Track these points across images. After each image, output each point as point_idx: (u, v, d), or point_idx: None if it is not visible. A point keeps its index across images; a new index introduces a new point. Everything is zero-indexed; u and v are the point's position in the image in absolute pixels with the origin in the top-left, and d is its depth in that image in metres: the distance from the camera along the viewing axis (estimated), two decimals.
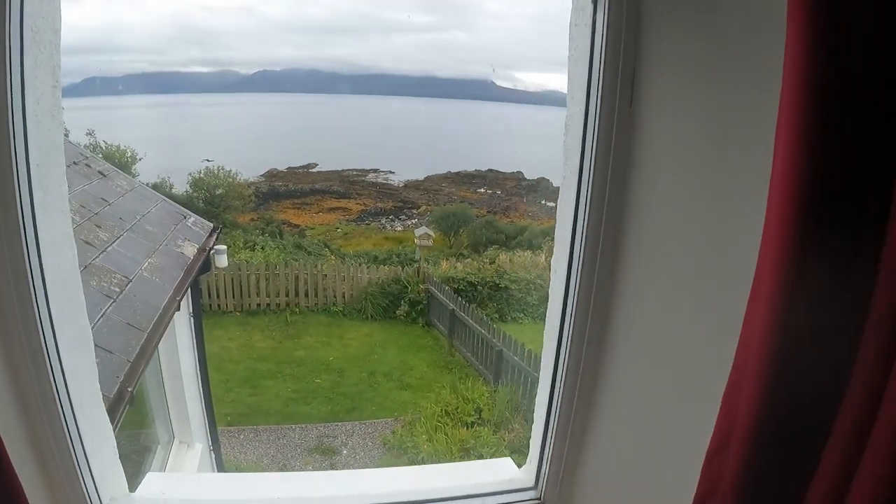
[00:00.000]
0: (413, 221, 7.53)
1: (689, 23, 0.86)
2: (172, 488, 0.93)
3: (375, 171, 8.66)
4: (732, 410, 0.65)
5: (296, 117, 9.38)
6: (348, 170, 8.62)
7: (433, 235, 5.46)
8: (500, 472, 1.07)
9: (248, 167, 8.25)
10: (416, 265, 4.96)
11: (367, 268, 4.96)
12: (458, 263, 5.18)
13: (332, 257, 5.34)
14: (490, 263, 5.05)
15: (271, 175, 9.07)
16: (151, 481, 0.92)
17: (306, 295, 4.74)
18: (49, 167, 0.76)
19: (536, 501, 1.02)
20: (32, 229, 0.73)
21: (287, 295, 4.72)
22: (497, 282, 4.70)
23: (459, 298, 4.41)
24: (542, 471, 1.03)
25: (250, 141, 9.42)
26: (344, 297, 4.77)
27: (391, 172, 8.52)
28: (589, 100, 1.05)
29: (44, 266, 0.75)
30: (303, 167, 9.59)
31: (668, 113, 0.87)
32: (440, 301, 4.42)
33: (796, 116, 0.62)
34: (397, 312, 4.61)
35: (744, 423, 0.64)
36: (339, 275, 4.77)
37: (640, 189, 0.91)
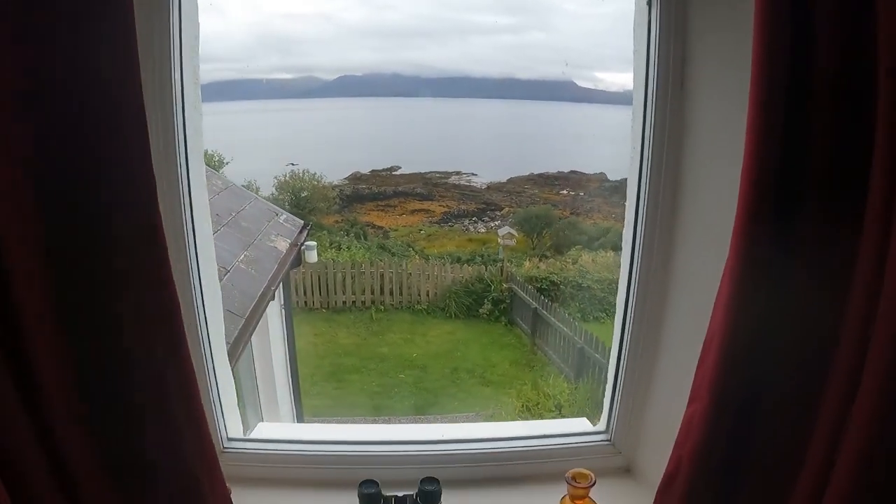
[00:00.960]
0: (496, 223, 7.51)
1: (730, 17, 1.02)
2: (281, 432, 1.16)
3: (458, 173, 8.68)
4: (699, 380, 0.89)
5: (378, 121, 9.54)
6: (430, 172, 8.69)
7: (516, 235, 5.45)
8: (577, 425, 1.25)
9: (332, 170, 8.45)
10: (499, 264, 4.97)
11: (451, 267, 5.00)
12: (541, 263, 5.13)
13: (417, 257, 5.41)
14: (573, 263, 5.00)
15: (355, 178, 9.23)
16: (261, 428, 1.08)
17: (391, 293, 4.82)
18: (195, 156, 0.96)
19: (607, 442, 1.13)
20: (189, 209, 0.93)
21: (372, 293, 4.81)
22: (579, 281, 4.64)
23: (542, 297, 4.38)
24: (612, 419, 1.17)
25: (333, 145, 9.65)
26: (428, 295, 4.82)
27: (474, 175, 8.51)
28: (647, 93, 1.21)
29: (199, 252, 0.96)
30: (385, 170, 9.77)
31: (715, 100, 1.01)
32: (523, 300, 4.40)
33: (751, 119, 0.73)
34: (480, 311, 4.63)
35: (707, 391, 0.85)
36: (424, 273, 4.83)
37: (692, 175, 1.05)
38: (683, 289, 1.17)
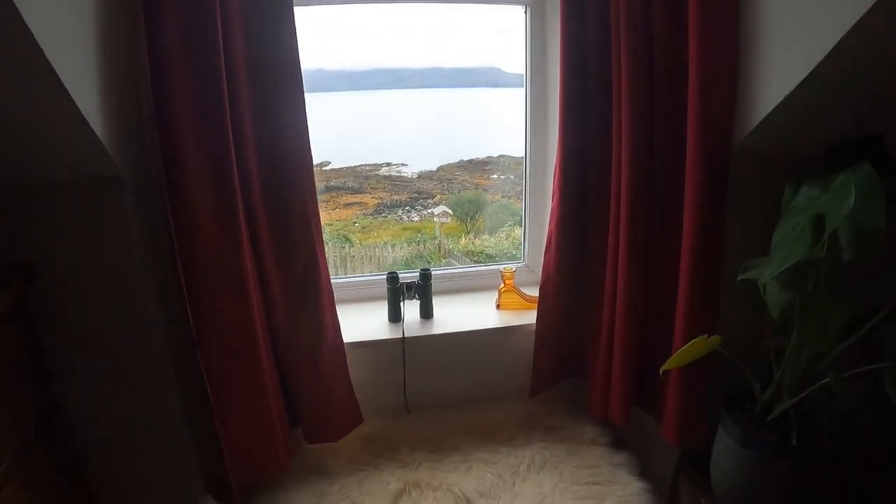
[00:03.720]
0: (429, 211, 7.70)
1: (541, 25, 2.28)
2: None
3: (388, 164, 8.79)
4: (553, 186, 2.34)
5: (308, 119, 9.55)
6: (361, 165, 8.78)
7: (451, 213, 5.66)
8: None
9: None
10: (436, 241, 5.19)
11: (392, 247, 5.16)
12: (476, 239, 5.40)
13: (358, 243, 5.57)
14: (506, 238, 5.26)
15: None
16: None
17: (336, 275, 4.88)
18: None
19: (525, 265, 3.26)
20: None
21: None
22: (514, 252, 4.89)
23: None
24: (525, 252, 3.27)
25: None
26: (371, 275, 4.90)
27: (404, 165, 8.62)
28: (526, 74, 2.43)
29: None
30: (316, 166, 9.79)
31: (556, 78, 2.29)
32: None
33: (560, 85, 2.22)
34: None
35: (557, 189, 2.30)
36: (366, 256, 5.00)
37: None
38: (550, 171, 2.60)
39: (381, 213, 8.39)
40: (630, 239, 1.86)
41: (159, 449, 1.91)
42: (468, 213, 7.34)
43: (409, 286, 2.48)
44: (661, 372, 1.62)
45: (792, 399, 1.58)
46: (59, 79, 1.20)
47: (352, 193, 8.80)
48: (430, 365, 2.47)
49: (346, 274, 5.01)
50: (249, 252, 1.83)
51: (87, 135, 1.37)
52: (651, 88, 1.75)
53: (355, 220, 8.26)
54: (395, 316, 2.47)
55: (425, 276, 2.48)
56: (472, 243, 5.18)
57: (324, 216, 9.41)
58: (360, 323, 2.46)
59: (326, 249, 5.33)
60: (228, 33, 1.61)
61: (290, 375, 2.09)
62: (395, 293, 2.45)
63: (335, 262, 4.90)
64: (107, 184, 1.57)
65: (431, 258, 4.77)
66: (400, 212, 8.53)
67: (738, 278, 1.53)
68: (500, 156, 8.49)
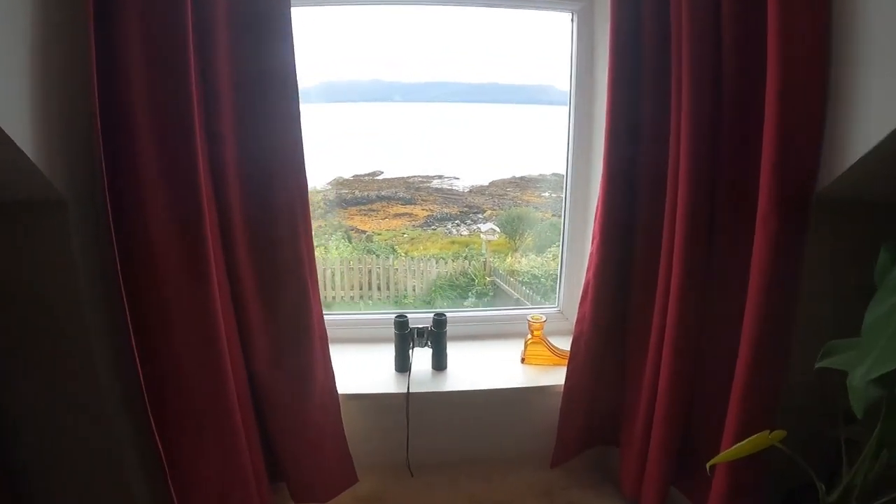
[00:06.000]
0: (478, 226, 7.66)
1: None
2: None
3: (440, 177, 8.80)
4: (595, 227, 1.95)
5: (360, 126, 9.66)
6: (413, 177, 8.80)
7: (498, 230, 5.61)
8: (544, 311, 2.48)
9: (315, 176, 8.53)
10: (482, 259, 5.14)
11: (436, 263, 5.12)
12: (523, 258, 5.33)
13: (403, 255, 5.56)
14: (553, 259, 5.17)
15: (338, 183, 9.30)
16: None
17: (378, 288, 4.96)
18: None
19: (558, 311, 2.76)
20: None
21: (360, 288, 4.94)
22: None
23: (525, 289, 4.54)
24: (560, 298, 2.77)
25: (316, 151, 9.70)
26: (414, 290, 4.98)
27: (455, 178, 8.63)
28: (571, 88, 2.55)
29: None
30: (368, 175, 9.90)
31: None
32: (506, 292, 4.56)
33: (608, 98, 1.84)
34: (464, 304, 4.69)
35: (598, 231, 1.93)
36: (410, 269, 4.98)
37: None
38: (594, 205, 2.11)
39: (430, 226, 8.39)
40: (681, 307, 1.58)
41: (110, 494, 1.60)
42: (516, 230, 7.27)
43: (421, 332, 2.12)
44: (707, 467, 1.35)
45: None
46: None
47: (402, 204, 8.83)
48: (439, 424, 2.17)
49: (387, 289, 5.00)
50: (226, 287, 1.60)
51: (14, 153, 1.13)
52: (717, 118, 1.46)
53: (404, 230, 8.28)
54: (403, 365, 2.12)
55: (440, 322, 2.11)
56: (518, 262, 5.11)
57: (373, 226, 9.43)
58: (362, 370, 2.13)
59: (373, 261, 5.36)
60: (206, 39, 1.41)
61: (272, 427, 1.84)
62: (404, 340, 2.10)
63: (378, 275, 4.89)
64: (45, 208, 1.32)
65: (476, 275, 4.71)
66: (449, 225, 8.51)
67: (817, 366, 1.28)
68: (552, 174, 8.41)
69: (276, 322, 1.72)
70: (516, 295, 4.27)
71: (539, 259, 5.37)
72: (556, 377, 2.06)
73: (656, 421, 1.72)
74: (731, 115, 1.45)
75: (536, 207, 7.84)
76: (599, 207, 1.81)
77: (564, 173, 2.46)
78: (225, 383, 1.56)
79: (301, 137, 1.61)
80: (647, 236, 1.76)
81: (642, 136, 1.71)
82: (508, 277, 4.63)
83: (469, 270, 4.84)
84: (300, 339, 1.77)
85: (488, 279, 4.86)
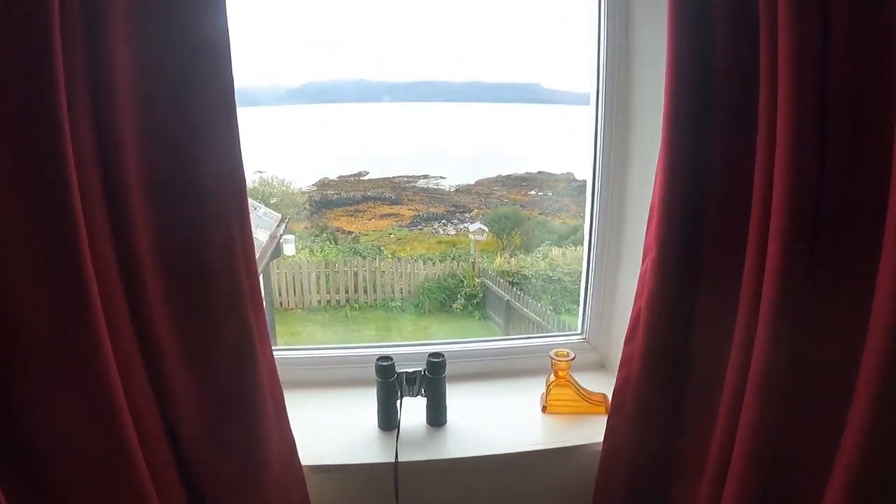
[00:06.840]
0: (465, 225, 7.60)
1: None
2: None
3: (426, 176, 8.72)
4: (649, 240, 1.30)
5: (344, 127, 9.56)
6: (398, 177, 8.72)
7: (486, 230, 5.55)
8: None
9: (300, 177, 8.43)
10: (471, 260, 5.06)
11: (424, 264, 5.04)
12: (512, 259, 5.24)
13: (390, 256, 5.46)
14: (543, 258, 5.11)
15: (323, 184, 9.18)
16: None
17: (365, 291, 4.82)
18: None
19: (583, 339, 1.87)
20: None
21: (346, 291, 4.79)
22: (550, 274, 4.72)
23: (515, 290, 4.48)
24: (586, 321, 1.86)
25: (300, 151, 9.62)
26: (402, 292, 4.84)
27: (442, 178, 8.55)
28: (598, 79, 1.67)
29: None
30: (353, 175, 9.80)
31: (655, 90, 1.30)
32: (496, 293, 4.48)
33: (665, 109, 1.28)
34: (454, 306, 4.64)
35: (654, 245, 1.28)
36: (397, 271, 4.90)
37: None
38: (633, 211, 1.64)
39: (416, 226, 8.31)
40: (771, 344, 1.09)
41: None
42: (504, 229, 7.20)
43: (412, 378, 1.48)
44: None
45: None
46: None
47: (388, 204, 8.73)
48: (438, 499, 1.61)
49: (373, 292, 4.88)
50: (133, 341, 1.12)
51: None
52: (822, 113, 0.98)
53: (391, 230, 8.20)
54: (388, 422, 1.47)
55: (436, 365, 1.45)
56: (508, 262, 5.05)
57: (359, 226, 9.32)
58: (334, 429, 1.51)
59: (359, 263, 5.27)
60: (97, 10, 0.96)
61: None
62: (388, 390, 1.45)
63: (364, 277, 4.81)
64: None
65: (465, 276, 4.65)
66: (436, 224, 8.43)
67: None
68: (539, 172, 8.34)
69: (210, 378, 1.24)
70: (507, 297, 4.20)
71: (529, 259, 5.30)
72: (589, 431, 1.49)
73: (726, 497, 1.20)
74: (840, 108, 0.97)
75: (524, 206, 7.74)
76: (656, 215, 1.29)
77: (591, 178, 1.69)
78: (133, 472, 1.06)
79: (236, 125, 1.12)
80: (721, 250, 1.27)
81: (713, 126, 1.22)
82: (498, 278, 4.56)
83: (458, 272, 4.77)
84: (244, 399, 1.27)
85: (477, 280, 4.79)
